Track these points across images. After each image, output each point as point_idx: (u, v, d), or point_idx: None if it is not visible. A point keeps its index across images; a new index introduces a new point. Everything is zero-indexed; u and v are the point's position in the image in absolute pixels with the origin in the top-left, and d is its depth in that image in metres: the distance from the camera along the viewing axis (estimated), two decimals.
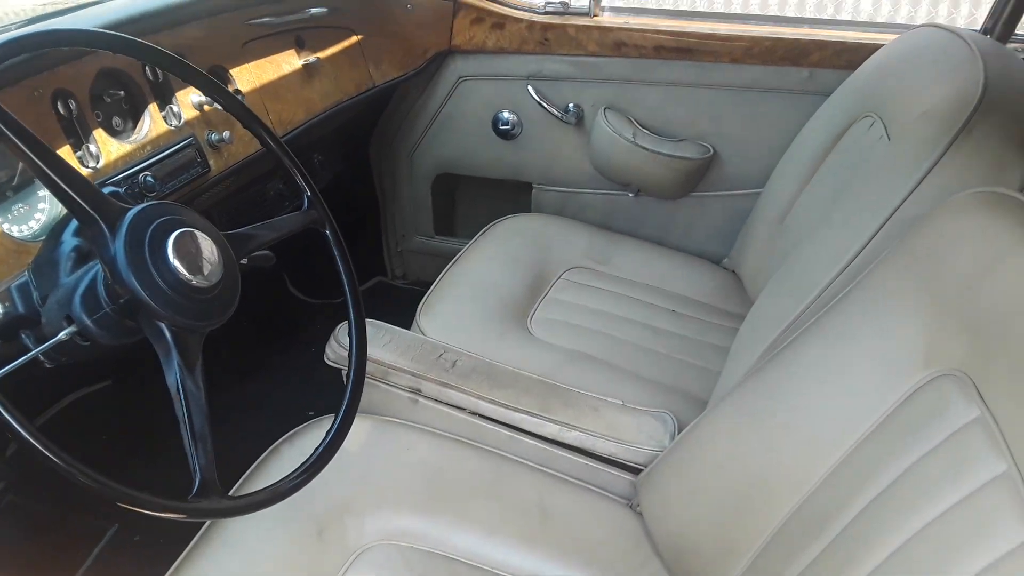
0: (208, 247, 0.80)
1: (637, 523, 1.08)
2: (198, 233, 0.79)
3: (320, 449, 0.89)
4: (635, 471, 1.13)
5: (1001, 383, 0.68)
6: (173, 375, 0.75)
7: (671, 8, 1.69)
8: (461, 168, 1.98)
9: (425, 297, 1.50)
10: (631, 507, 1.11)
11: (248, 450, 1.11)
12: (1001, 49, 1.17)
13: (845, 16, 3.78)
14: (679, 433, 1.14)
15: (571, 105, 1.80)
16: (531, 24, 1.76)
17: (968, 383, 0.71)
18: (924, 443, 0.73)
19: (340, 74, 1.61)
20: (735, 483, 0.95)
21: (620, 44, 1.71)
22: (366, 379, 1.23)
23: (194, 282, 0.77)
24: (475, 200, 2.10)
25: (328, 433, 0.91)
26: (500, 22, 1.77)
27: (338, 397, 1.10)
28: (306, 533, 1.00)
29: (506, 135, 1.88)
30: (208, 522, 0.97)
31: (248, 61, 1.37)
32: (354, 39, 1.66)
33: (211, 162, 1.22)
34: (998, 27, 1.43)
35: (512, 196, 1.97)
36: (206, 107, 1.22)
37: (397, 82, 1.76)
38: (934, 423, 0.73)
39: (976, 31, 1.44)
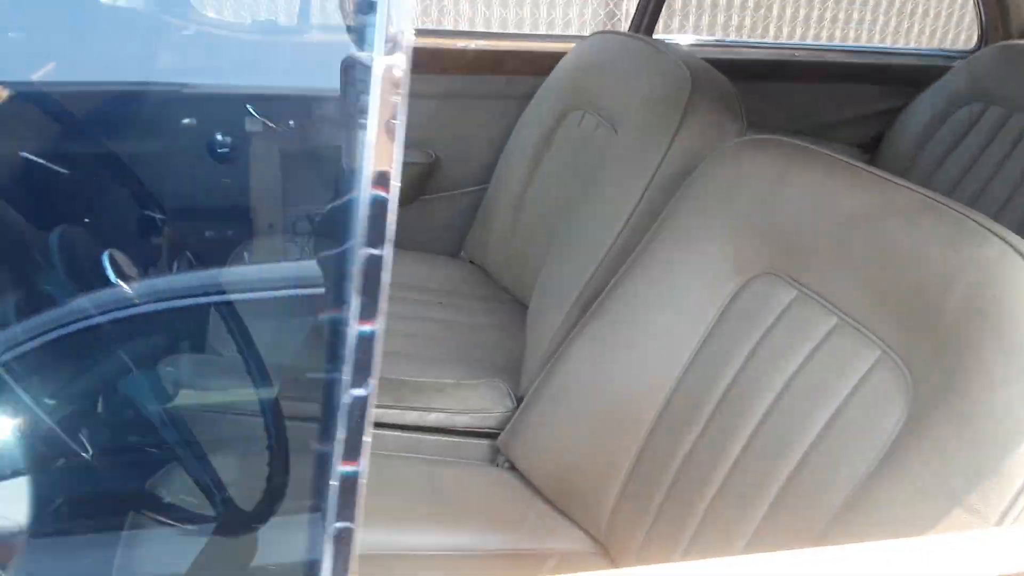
0: None
1: (511, 477, 1.20)
2: None
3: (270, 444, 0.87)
4: (491, 435, 1.25)
5: (810, 268, 0.95)
6: None
7: None
8: None
9: None
10: (498, 466, 1.23)
11: None
12: (667, 44, 1.53)
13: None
14: (512, 393, 1.29)
15: None
16: None
17: (780, 277, 0.98)
18: (759, 328, 0.98)
19: None
20: (600, 410, 1.12)
21: None
22: None
23: None
24: None
25: (270, 461, 0.88)
26: None
27: None
28: None
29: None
30: None
31: None
32: None
33: None
34: (643, 25, 1.84)
35: None
36: None
37: None
38: (761, 312, 0.99)
39: (630, 32, 1.82)
